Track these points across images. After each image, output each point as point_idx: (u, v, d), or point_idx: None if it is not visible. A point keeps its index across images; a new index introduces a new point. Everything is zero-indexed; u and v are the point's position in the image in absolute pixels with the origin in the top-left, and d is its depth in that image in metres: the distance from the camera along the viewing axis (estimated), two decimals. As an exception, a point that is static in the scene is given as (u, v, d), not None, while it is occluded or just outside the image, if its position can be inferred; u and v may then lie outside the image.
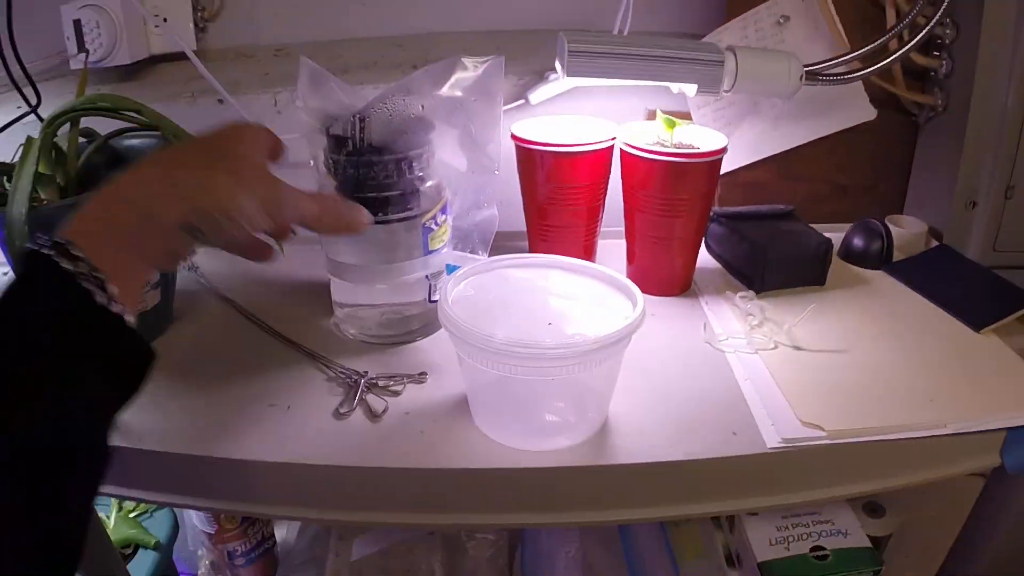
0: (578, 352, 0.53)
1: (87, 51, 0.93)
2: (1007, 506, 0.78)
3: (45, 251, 0.44)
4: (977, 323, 0.78)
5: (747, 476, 0.61)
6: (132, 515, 1.05)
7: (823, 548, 0.78)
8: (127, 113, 0.72)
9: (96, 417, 0.45)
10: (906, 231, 0.93)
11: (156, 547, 1.05)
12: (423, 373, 0.67)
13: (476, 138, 0.70)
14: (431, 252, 0.71)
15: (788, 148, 0.96)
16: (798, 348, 0.72)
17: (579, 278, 0.64)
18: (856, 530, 0.79)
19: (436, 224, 0.70)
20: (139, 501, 0.65)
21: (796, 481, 0.62)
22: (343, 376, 0.68)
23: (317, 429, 0.62)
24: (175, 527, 1.09)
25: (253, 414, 0.64)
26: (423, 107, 0.68)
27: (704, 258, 0.89)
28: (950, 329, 0.78)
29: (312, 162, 0.71)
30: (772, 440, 0.60)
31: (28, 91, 0.93)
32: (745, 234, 0.83)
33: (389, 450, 0.59)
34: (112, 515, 1.06)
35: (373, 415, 0.62)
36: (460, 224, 0.77)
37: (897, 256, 0.91)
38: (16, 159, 0.66)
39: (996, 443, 0.65)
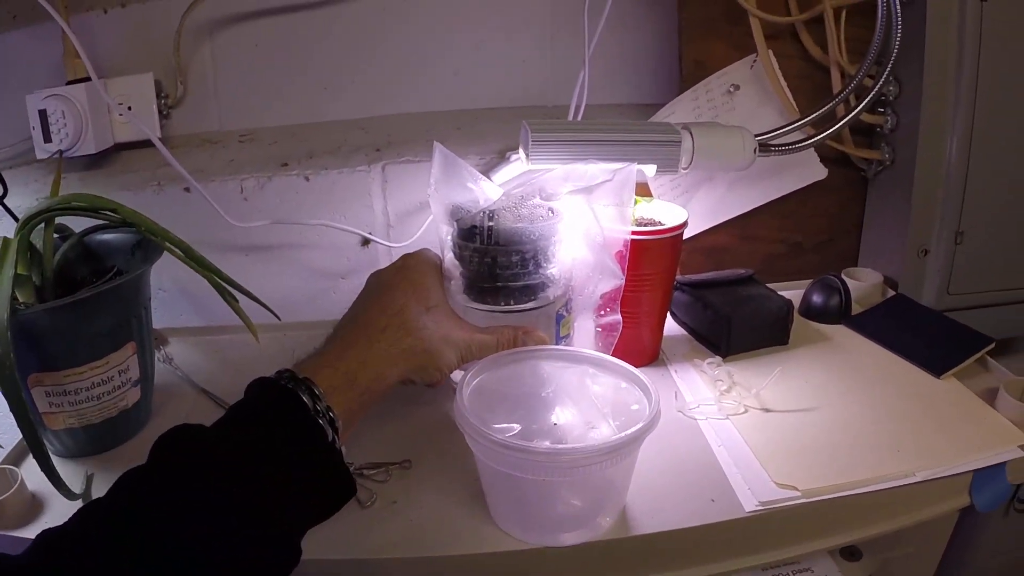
0: (586, 455, 0.54)
1: (60, 151, 0.95)
2: (979, 539, 0.81)
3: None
4: (937, 369, 0.81)
5: (728, 539, 0.63)
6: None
7: None
8: (104, 212, 0.73)
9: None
10: (863, 283, 0.98)
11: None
12: (407, 460, 0.69)
13: (605, 241, 0.71)
14: (561, 339, 0.74)
15: (744, 212, 1.00)
16: (767, 410, 0.75)
17: (598, 372, 0.65)
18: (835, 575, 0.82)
19: (567, 311, 0.73)
20: None
21: (775, 539, 0.65)
22: None
23: None
24: None
25: None
26: (552, 209, 0.71)
27: (670, 325, 0.91)
28: (912, 377, 0.82)
29: (442, 246, 0.73)
30: (749, 504, 0.63)
31: None
32: (708, 301, 0.86)
33: (376, 538, 0.61)
34: None
35: (361, 505, 0.64)
36: (583, 326, 0.77)
37: (856, 309, 0.95)
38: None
39: (965, 484, 0.69)
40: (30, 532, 0.64)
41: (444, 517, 0.63)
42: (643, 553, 0.62)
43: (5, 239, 0.68)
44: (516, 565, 0.60)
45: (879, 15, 0.85)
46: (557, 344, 0.72)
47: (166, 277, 0.92)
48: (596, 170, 0.72)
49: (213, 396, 0.83)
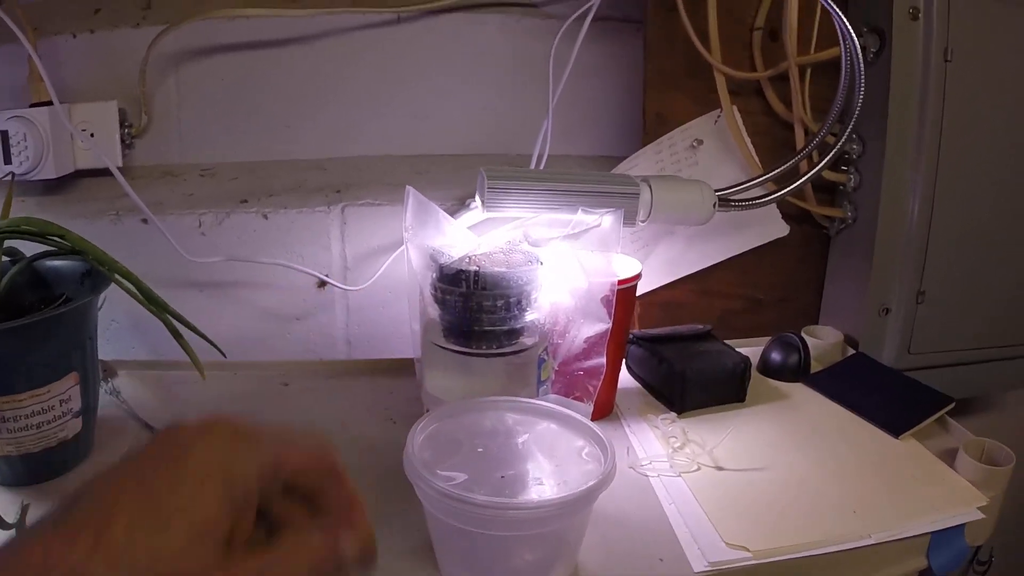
0: (551, 509, 0.53)
1: (12, 173, 0.93)
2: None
3: None
4: (896, 429, 0.81)
5: None
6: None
7: None
8: (52, 237, 0.72)
9: None
10: (823, 341, 0.98)
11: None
12: None
13: (589, 287, 0.71)
14: (542, 384, 0.72)
15: (704, 267, 1.00)
16: (720, 468, 0.74)
17: (558, 426, 0.64)
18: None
19: (547, 355, 0.72)
20: None
21: None
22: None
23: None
24: None
25: None
26: (534, 255, 0.70)
27: (625, 379, 0.91)
28: (870, 437, 0.82)
29: (420, 290, 0.72)
30: (699, 564, 0.62)
31: None
32: (664, 356, 0.86)
33: None
34: None
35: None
36: (566, 370, 0.76)
37: (815, 366, 0.94)
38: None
39: (922, 546, 0.68)
40: None
41: (390, 569, 0.61)
42: None
43: None
44: None
45: (843, 74, 0.86)
46: (538, 388, 0.71)
47: (119, 309, 0.90)
48: (581, 217, 0.73)
49: (156, 430, 0.81)
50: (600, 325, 0.71)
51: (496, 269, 0.68)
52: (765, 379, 0.93)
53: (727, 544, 0.64)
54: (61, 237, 0.71)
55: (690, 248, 0.99)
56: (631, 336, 0.90)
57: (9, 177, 0.95)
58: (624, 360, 0.91)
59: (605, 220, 0.72)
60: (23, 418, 0.69)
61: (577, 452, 0.61)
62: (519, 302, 0.68)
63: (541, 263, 0.71)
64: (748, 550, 0.63)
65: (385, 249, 0.99)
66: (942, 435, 0.83)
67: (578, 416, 0.64)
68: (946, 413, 0.84)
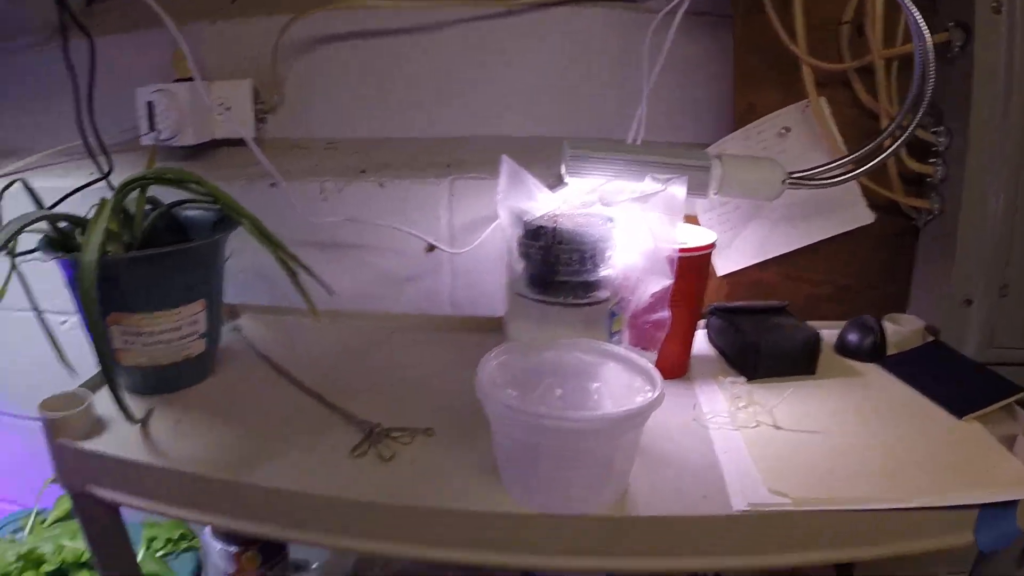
0: (602, 424, 0.62)
1: (157, 130, 1.10)
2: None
3: None
4: (960, 410, 0.84)
5: (715, 536, 0.68)
6: (159, 554, 1.18)
7: None
8: (189, 184, 0.86)
9: None
10: (903, 328, 1.01)
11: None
12: (431, 429, 0.78)
13: (656, 246, 0.79)
14: (613, 335, 0.81)
15: (790, 250, 1.06)
16: (778, 427, 0.80)
17: (617, 364, 0.73)
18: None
19: (619, 310, 0.81)
20: (173, 518, 0.76)
21: (762, 544, 0.69)
22: (360, 425, 0.79)
23: (332, 464, 0.73)
24: (197, 568, 1.21)
25: (278, 449, 0.76)
26: (609, 217, 0.80)
27: (706, 347, 0.99)
28: (933, 416, 0.85)
29: (508, 247, 0.82)
30: (739, 504, 0.68)
31: (102, 160, 1.09)
32: (740, 327, 0.92)
33: (386, 485, 0.70)
34: (141, 553, 1.20)
35: (383, 459, 0.73)
36: (635, 323, 0.84)
37: (892, 352, 0.98)
38: (90, 216, 0.80)
39: (968, 521, 0.69)
40: (90, 446, 0.77)
41: (456, 477, 0.71)
42: (635, 534, 0.67)
43: (103, 199, 0.80)
44: (513, 527, 0.67)
45: (916, 66, 0.90)
46: (610, 339, 0.79)
47: (247, 261, 1.03)
48: (650, 183, 0.81)
49: (271, 360, 0.94)
50: (664, 281, 0.78)
51: (572, 226, 0.77)
52: (840, 358, 0.97)
53: (769, 490, 0.69)
54: (197, 183, 0.84)
55: (776, 231, 1.05)
56: (711, 307, 0.98)
57: (152, 142, 1.12)
58: (706, 331, 1.00)
59: (672, 186, 0.80)
60: (156, 334, 0.82)
61: (632, 387, 0.68)
62: (593, 257, 0.77)
63: (613, 222, 0.79)
64: (788, 496, 0.68)
65: (488, 219, 1.09)
66: (1008, 422, 0.84)
67: (636, 358, 0.71)
68: (1015, 402, 0.85)
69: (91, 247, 0.74)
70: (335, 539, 0.71)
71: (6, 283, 0.83)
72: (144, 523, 1.35)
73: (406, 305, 1.13)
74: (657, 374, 0.68)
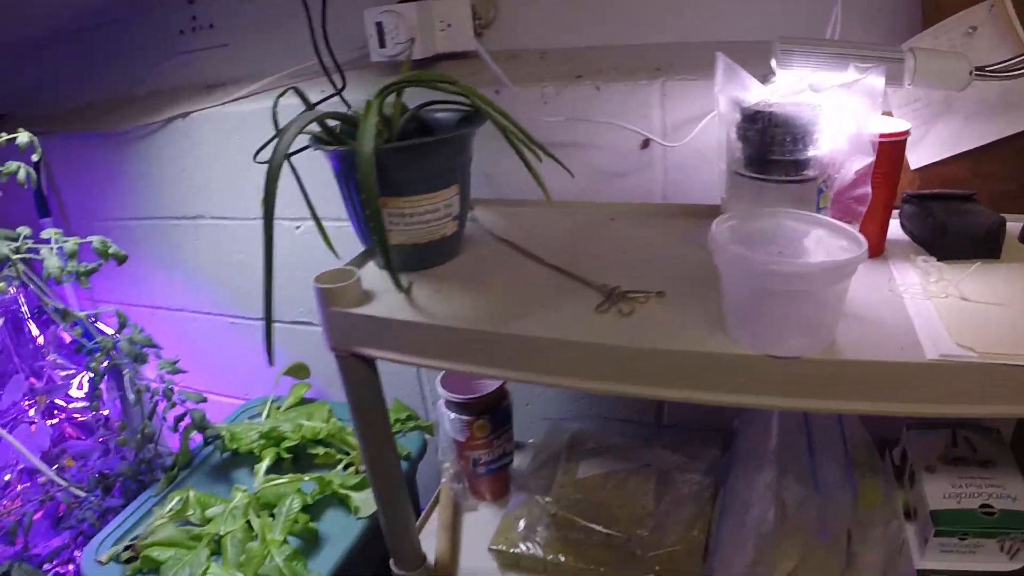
0: (817, 271, 0.75)
1: (412, 39, 1.27)
2: None
3: None
4: None
5: (912, 383, 0.80)
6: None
7: (991, 507, 0.99)
8: (440, 86, 1.02)
9: None
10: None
11: (407, 458, 1.39)
12: (662, 292, 0.93)
13: (859, 129, 0.92)
14: (820, 210, 0.95)
15: (977, 145, 1.14)
16: (965, 299, 0.91)
17: (828, 231, 0.84)
18: (1024, 495, 0.97)
19: (825, 187, 0.94)
20: (437, 368, 0.95)
21: (953, 395, 0.80)
22: (600, 289, 0.94)
23: (578, 318, 0.89)
24: (423, 445, 1.44)
25: (528, 309, 0.92)
26: (819, 104, 0.92)
27: (899, 234, 1.09)
28: None
29: (727, 132, 0.97)
30: (931, 354, 0.79)
31: (336, 77, 1.26)
32: (930, 211, 1.02)
33: (630, 333, 0.86)
34: None
35: (623, 314, 0.89)
36: (839, 199, 0.98)
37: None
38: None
39: None
40: (361, 310, 0.96)
41: (687, 328, 0.86)
42: (842, 377, 0.80)
43: (368, 101, 0.97)
44: (736, 367, 0.81)
45: None
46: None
47: (483, 163, 1.16)
48: (853, 72, 0.94)
49: (511, 242, 1.11)
50: (866, 159, 0.91)
51: (785, 111, 0.90)
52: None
53: (957, 343, 0.81)
54: (452, 84, 1.01)
55: (965, 127, 1.13)
56: (904, 195, 1.08)
57: (382, 58, 1.31)
58: (899, 219, 1.11)
59: (872, 76, 0.91)
60: (418, 215, 0.99)
61: (840, 247, 0.80)
62: (803, 138, 0.89)
63: (820, 108, 0.91)
64: (974, 351, 0.79)
65: (697, 118, 1.22)
66: None
67: (843, 225, 0.83)
68: None
69: (367, 138, 0.90)
70: (581, 382, 0.87)
71: (268, 190, 1.03)
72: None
73: (620, 199, 1.30)
74: (861, 237, 0.80)
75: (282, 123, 0.98)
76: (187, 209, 1.80)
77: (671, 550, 1.15)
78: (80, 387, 2.01)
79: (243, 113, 1.60)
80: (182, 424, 1.55)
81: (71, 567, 1.57)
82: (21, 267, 1.42)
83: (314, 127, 1.02)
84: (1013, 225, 1.06)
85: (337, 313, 0.97)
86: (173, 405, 1.54)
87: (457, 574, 1.24)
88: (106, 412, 2.01)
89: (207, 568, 1.27)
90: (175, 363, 1.53)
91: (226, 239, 1.82)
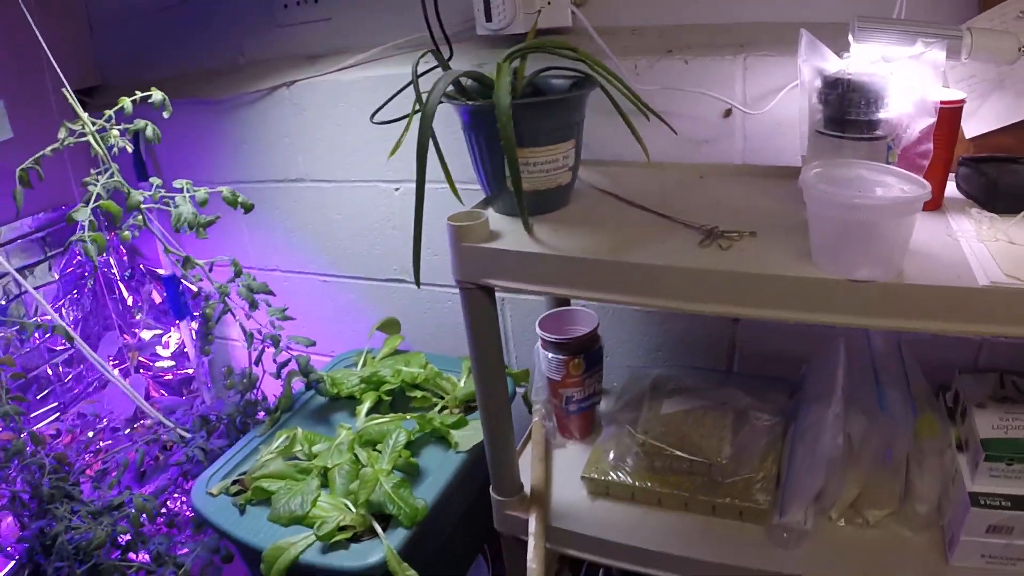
0: (891, 203, 0.99)
1: (539, 10, 1.52)
2: None
3: None
4: None
5: (967, 304, 1.02)
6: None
7: None
8: (563, 52, 1.26)
9: None
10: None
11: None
12: (754, 232, 1.17)
13: (923, 96, 1.17)
14: (889, 164, 1.18)
15: None
16: (1013, 243, 1.13)
17: (899, 180, 1.07)
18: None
19: (893, 145, 1.19)
20: (556, 295, 1.21)
21: (1003, 317, 1.02)
22: (699, 229, 1.19)
23: (683, 251, 1.14)
24: (513, 391, 1.71)
25: (638, 243, 1.17)
26: (889, 73, 1.18)
27: (956, 194, 1.33)
28: None
29: (809, 97, 1.23)
30: (982, 281, 1.02)
31: (444, 48, 1.51)
32: (983, 171, 1.26)
33: (730, 262, 1.10)
34: (463, 379, 1.70)
35: (722, 248, 1.13)
36: (905, 155, 1.22)
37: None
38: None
39: None
40: (489, 245, 1.21)
41: (779, 258, 1.09)
42: (907, 299, 1.03)
43: (499, 64, 1.19)
44: (821, 290, 1.05)
45: None
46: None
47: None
48: (920, 47, 1.19)
49: (612, 193, 1.37)
50: (929, 119, 1.15)
51: (861, 78, 1.15)
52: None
53: (1005, 274, 1.03)
54: (572, 51, 1.25)
55: (1017, 101, 1.36)
56: (960, 158, 1.32)
57: (487, 31, 1.58)
58: (955, 181, 1.35)
59: (934, 50, 1.16)
60: (540, 164, 1.24)
61: (907, 189, 1.03)
62: (876, 101, 1.14)
63: (890, 76, 1.16)
64: (1019, 279, 1.01)
65: (774, 90, 1.48)
66: None
67: (909, 174, 1.06)
68: None
69: (504, 93, 1.13)
70: (688, 304, 1.11)
71: (422, 138, 1.29)
72: (462, 358, 1.86)
73: (704, 159, 1.58)
74: (925, 182, 1.03)
75: (394, 89, 1.32)
76: (288, 173, 2.09)
77: (747, 477, 1.40)
78: (166, 346, 2.29)
79: (346, 82, 1.88)
80: (285, 370, 1.82)
81: (180, 501, 1.85)
82: (142, 218, 1.70)
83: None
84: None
85: (467, 248, 1.22)
86: (280, 351, 1.81)
87: (551, 501, 1.49)
88: (190, 370, 2.29)
89: (317, 496, 1.51)
90: (284, 311, 1.79)
91: (324, 201, 2.11)
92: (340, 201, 2.06)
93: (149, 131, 1.67)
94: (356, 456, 1.58)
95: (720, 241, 1.16)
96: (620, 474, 1.47)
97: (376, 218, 2.04)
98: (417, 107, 1.25)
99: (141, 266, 2.43)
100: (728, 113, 1.53)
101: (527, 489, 1.49)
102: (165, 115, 1.71)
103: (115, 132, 1.67)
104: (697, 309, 1.13)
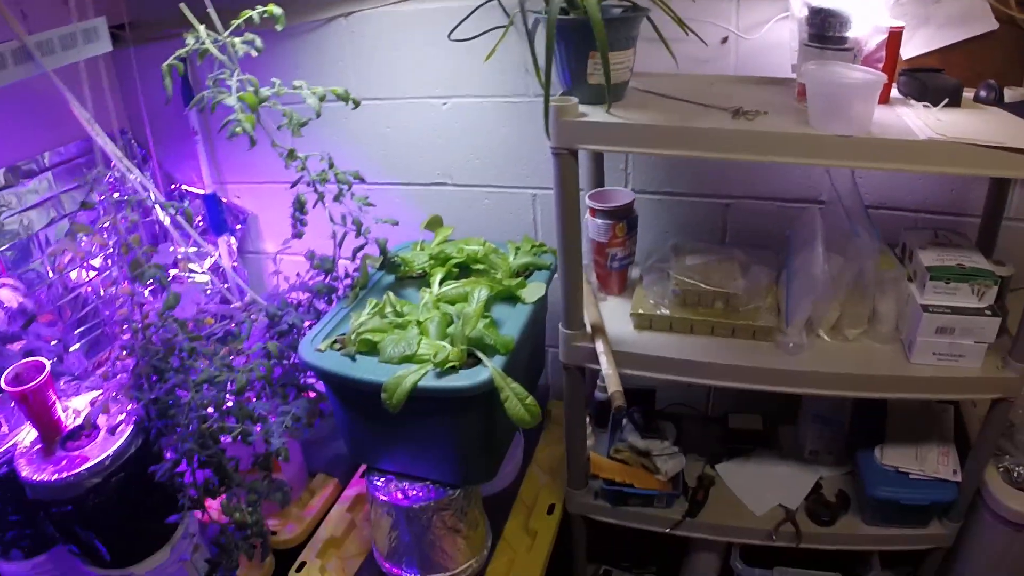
0: (863, 77, 1.84)
1: None
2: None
3: None
4: None
5: (911, 153, 1.84)
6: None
7: (963, 265, 2.02)
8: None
9: None
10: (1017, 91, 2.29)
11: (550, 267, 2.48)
12: (767, 111, 1.98)
13: (876, 20, 2.00)
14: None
15: (945, 44, 2.27)
16: (939, 120, 1.97)
17: (860, 72, 1.95)
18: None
19: (857, 55, 2.01)
20: (637, 152, 2.38)
21: (935, 160, 1.84)
22: (727, 110, 1.99)
23: (721, 122, 1.93)
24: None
25: (687, 117, 1.97)
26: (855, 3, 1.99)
27: (897, 96, 2.20)
28: None
29: (799, 23, 2.02)
30: (922, 135, 1.86)
31: None
32: (917, 77, 2.11)
33: (754, 126, 1.92)
34: (512, 254, 2.56)
35: (748, 119, 1.92)
36: (866, 62, 2.01)
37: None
38: None
39: None
40: (581, 119, 2.02)
41: (785, 124, 1.90)
42: (873, 147, 1.81)
43: None
44: (818, 140, 1.84)
45: None
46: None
47: None
48: None
49: (653, 92, 2.17)
50: (881, 37, 1.97)
51: (835, 6, 1.96)
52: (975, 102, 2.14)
53: (936, 133, 1.83)
54: None
55: (939, 32, 2.25)
56: (901, 71, 2.12)
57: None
58: (898, 87, 2.16)
59: None
60: (615, 64, 2.00)
61: (872, 75, 1.85)
62: (845, 23, 1.91)
63: (855, 6, 1.97)
64: (945, 136, 1.80)
65: (762, 22, 2.32)
66: None
67: (872, 69, 1.90)
68: None
69: (596, 9, 1.84)
70: (726, 155, 1.89)
71: (548, 42, 2.12)
72: (508, 242, 2.63)
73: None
74: (883, 73, 1.89)
75: (448, 18, 2.29)
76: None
77: (757, 305, 2.24)
78: (205, 259, 3.00)
79: (401, 13, 2.64)
80: (360, 253, 2.56)
81: (286, 362, 2.52)
82: (252, 119, 2.28)
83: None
84: (969, 92, 2.15)
85: (564, 122, 1.86)
86: (360, 233, 2.52)
87: (606, 333, 2.22)
88: (225, 286, 3.03)
89: (420, 339, 2.20)
90: (366, 199, 2.49)
91: (376, 117, 2.88)
92: (392, 116, 2.86)
93: (258, 43, 2.30)
94: (443, 311, 2.32)
95: (745, 116, 1.97)
96: (661, 309, 2.31)
97: (424, 130, 2.87)
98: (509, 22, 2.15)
99: (183, 186, 3.10)
100: (725, 40, 2.38)
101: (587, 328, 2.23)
102: (278, 27, 2.30)
103: (237, 40, 2.27)
104: (737, 158, 1.90)
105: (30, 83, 2.31)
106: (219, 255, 3.03)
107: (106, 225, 2.50)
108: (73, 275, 2.83)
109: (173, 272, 2.84)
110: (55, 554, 2.41)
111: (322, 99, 2.37)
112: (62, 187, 2.85)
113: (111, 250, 2.84)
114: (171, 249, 2.87)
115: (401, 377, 2.06)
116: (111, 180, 2.86)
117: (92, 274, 2.84)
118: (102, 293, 2.87)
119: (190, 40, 2.24)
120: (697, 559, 2.89)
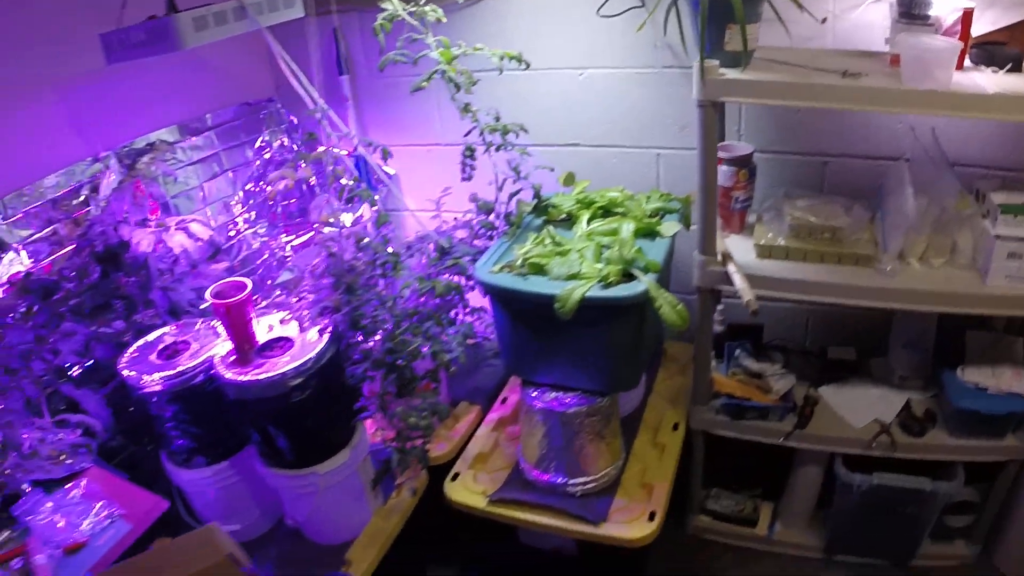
0: (944, 44, 2.79)
1: None
2: None
3: None
4: None
5: (982, 103, 2.83)
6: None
7: None
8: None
9: None
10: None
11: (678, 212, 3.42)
12: (867, 73, 2.93)
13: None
14: None
15: (1006, 24, 3.17)
16: (1003, 80, 2.98)
17: (942, 40, 2.91)
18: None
19: (937, 29, 2.93)
20: (770, 104, 3.46)
21: (997, 109, 2.84)
22: (842, 72, 2.94)
23: (835, 80, 2.94)
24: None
25: (811, 78, 2.95)
26: None
27: (969, 64, 3.15)
28: None
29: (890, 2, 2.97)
30: (991, 91, 2.82)
31: None
32: (986, 49, 3.06)
33: (861, 83, 2.93)
34: (643, 202, 3.45)
35: (854, 79, 2.89)
36: (945, 34, 2.88)
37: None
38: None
39: None
40: (721, 78, 2.99)
41: (882, 82, 2.89)
42: (955, 99, 2.81)
43: None
44: (911, 94, 2.82)
45: None
46: None
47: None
48: None
49: (769, 59, 3.14)
50: (957, 14, 2.91)
51: None
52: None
53: (1001, 89, 2.77)
54: None
55: (1005, 13, 3.15)
56: (972, 43, 3.03)
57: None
58: (969, 58, 3.09)
59: None
60: (748, 33, 2.98)
61: (952, 42, 2.80)
62: (928, 3, 2.80)
63: None
64: (1007, 91, 2.74)
65: (855, 5, 3.26)
66: None
67: (951, 39, 2.83)
68: None
69: None
70: (842, 104, 2.95)
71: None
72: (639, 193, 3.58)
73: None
74: (959, 43, 2.81)
75: None
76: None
77: (859, 237, 3.14)
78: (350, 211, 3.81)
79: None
80: (515, 198, 3.43)
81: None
82: (454, 69, 3.22)
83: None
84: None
85: (710, 79, 2.73)
86: (519, 178, 3.43)
87: (735, 260, 3.08)
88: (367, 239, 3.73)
89: (583, 261, 2.93)
90: (525, 149, 3.35)
91: (517, 86, 3.84)
92: (535, 84, 3.77)
93: (441, 13, 3.12)
94: (596, 242, 3.03)
95: (852, 76, 2.84)
96: (779, 240, 3.20)
97: (562, 96, 3.79)
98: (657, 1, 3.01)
99: (332, 149, 3.74)
100: (824, 20, 3.20)
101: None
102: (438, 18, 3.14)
103: (427, 8, 3.08)
104: (848, 107, 2.88)
105: (197, 51, 2.79)
106: (367, 207, 3.88)
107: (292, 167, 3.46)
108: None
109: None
110: (236, 460, 2.96)
111: (501, 59, 3.25)
112: (223, 144, 3.73)
113: (306, 186, 3.77)
114: (350, 183, 3.67)
115: (572, 289, 2.77)
116: (286, 129, 3.83)
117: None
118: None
119: (388, 6, 3.12)
120: (803, 472, 3.67)
